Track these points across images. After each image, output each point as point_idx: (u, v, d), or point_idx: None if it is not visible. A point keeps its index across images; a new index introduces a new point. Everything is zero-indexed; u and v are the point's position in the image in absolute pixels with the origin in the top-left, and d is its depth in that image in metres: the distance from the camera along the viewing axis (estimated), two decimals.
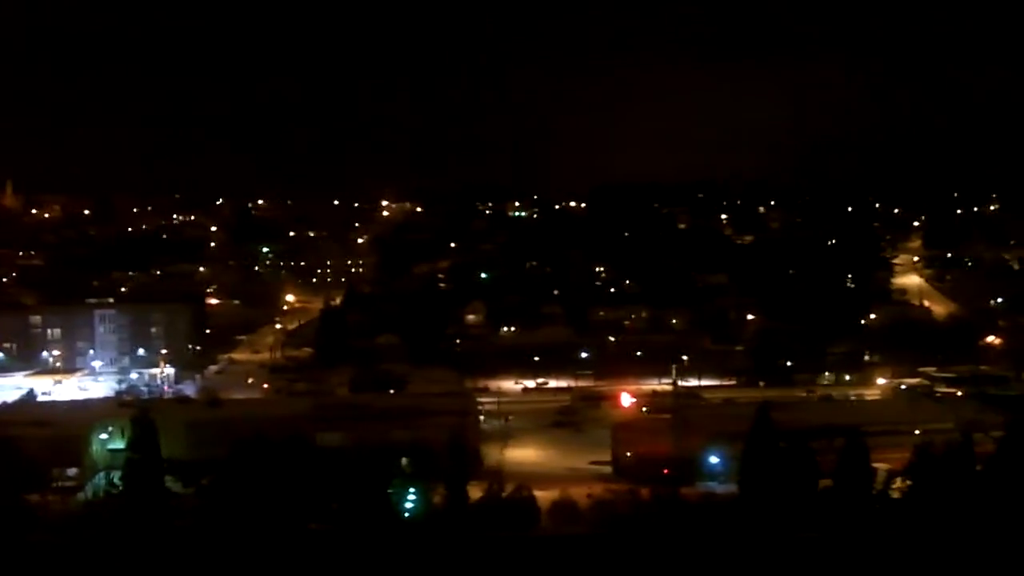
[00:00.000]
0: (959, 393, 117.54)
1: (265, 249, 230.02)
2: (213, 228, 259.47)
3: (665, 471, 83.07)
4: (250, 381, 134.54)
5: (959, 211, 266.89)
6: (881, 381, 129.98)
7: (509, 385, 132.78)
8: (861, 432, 76.83)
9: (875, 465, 74.32)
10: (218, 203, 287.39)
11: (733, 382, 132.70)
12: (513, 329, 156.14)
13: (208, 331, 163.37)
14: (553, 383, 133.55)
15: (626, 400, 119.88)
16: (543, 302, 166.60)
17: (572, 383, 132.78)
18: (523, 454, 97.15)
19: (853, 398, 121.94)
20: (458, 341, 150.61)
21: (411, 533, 69.00)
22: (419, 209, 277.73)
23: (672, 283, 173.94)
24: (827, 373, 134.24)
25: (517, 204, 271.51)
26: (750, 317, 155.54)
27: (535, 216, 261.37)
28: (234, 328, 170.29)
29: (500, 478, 78.18)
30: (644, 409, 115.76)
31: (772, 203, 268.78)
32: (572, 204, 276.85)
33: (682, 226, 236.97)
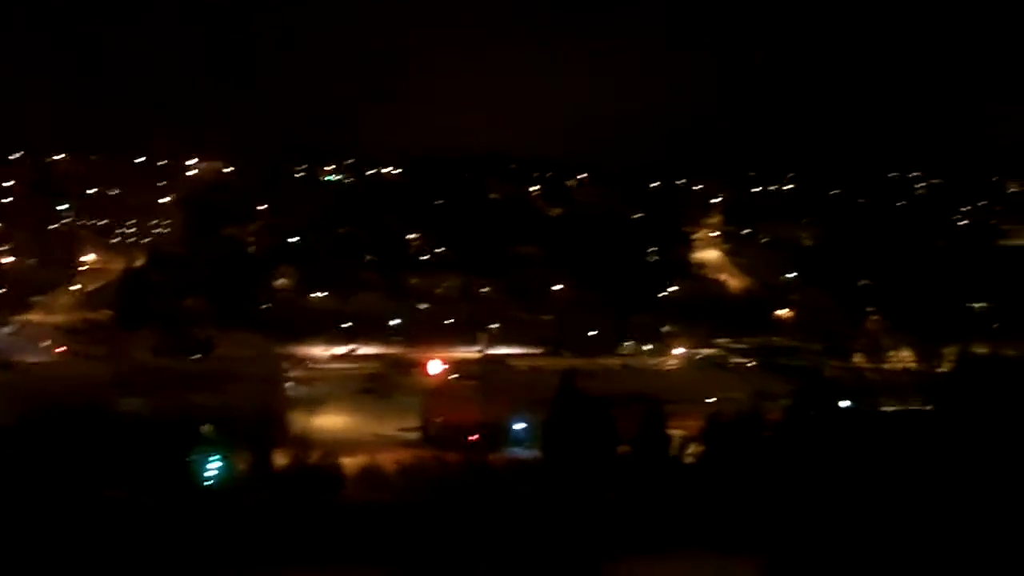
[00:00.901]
0: (751, 363, 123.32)
1: (64, 207, 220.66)
2: (8, 183, 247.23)
3: (472, 438, 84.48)
4: (45, 344, 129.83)
5: (756, 189, 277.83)
6: (679, 351, 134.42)
7: (318, 351, 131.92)
8: (659, 400, 79.88)
9: (671, 431, 77.41)
10: (14, 157, 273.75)
11: (541, 350, 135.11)
12: (324, 294, 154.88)
13: None
14: (363, 349, 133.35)
15: (435, 367, 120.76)
16: (356, 268, 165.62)
17: (383, 350, 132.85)
18: (331, 421, 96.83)
19: (651, 367, 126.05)
20: (267, 305, 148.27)
21: (211, 500, 68.23)
22: (229, 169, 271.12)
23: (484, 253, 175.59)
24: (629, 343, 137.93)
25: (331, 167, 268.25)
26: (559, 287, 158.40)
27: (349, 180, 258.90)
28: (28, 288, 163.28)
29: (306, 445, 78.04)
30: (453, 376, 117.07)
31: (581, 177, 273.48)
32: (387, 170, 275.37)
33: (495, 196, 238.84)
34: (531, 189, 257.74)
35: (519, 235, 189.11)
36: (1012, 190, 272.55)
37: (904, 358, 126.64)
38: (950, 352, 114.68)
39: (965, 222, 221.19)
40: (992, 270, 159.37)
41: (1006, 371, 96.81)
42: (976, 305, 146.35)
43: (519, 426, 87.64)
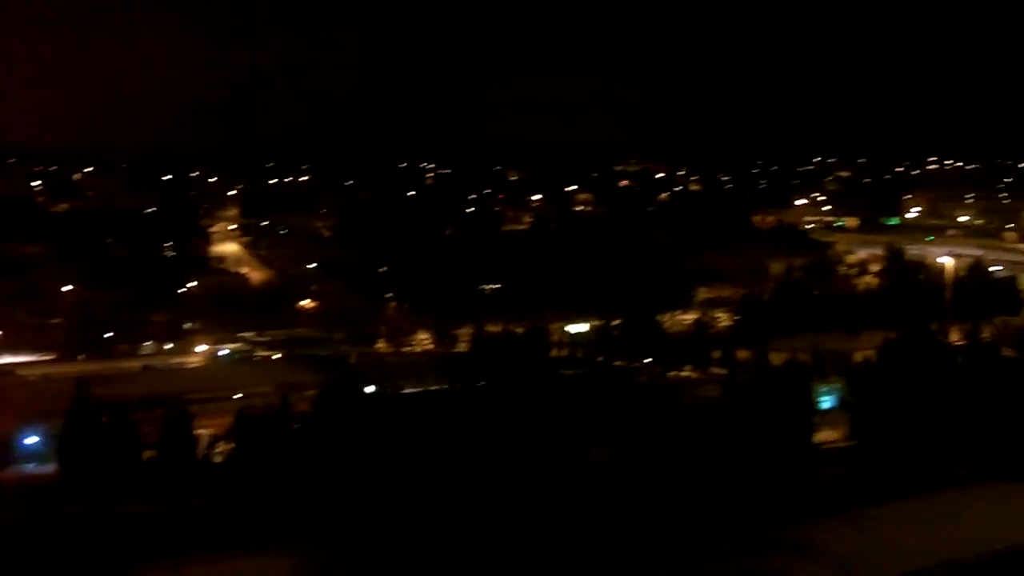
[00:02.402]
0: (277, 356, 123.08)
1: None
2: None
3: None
4: None
5: (274, 181, 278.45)
6: (202, 348, 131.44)
7: None
8: (183, 400, 77.55)
9: (198, 432, 75.50)
10: None
11: (52, 357, 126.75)
12: None
13: None
14: None
15: None
16: None
17: None
18: None
19: (174, 367, 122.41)
20: None
21: None
22: None
23: None
24: (148, 343, 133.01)
25: None
26: (69, 288, 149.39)
27: None
28: None
29: None
30: None
31: (88, 170, 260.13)
32: None
33: None
34: (33, 184, 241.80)
35: (21, 233, 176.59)
36: (513, 178, 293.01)
37: (423, 340, 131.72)
38: (466, 332, 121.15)
39: (472, 209, 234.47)
40: (498, 253, 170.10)
41: (517, 346, 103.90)
42: (486, 287, 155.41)
43: (31, 440, 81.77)
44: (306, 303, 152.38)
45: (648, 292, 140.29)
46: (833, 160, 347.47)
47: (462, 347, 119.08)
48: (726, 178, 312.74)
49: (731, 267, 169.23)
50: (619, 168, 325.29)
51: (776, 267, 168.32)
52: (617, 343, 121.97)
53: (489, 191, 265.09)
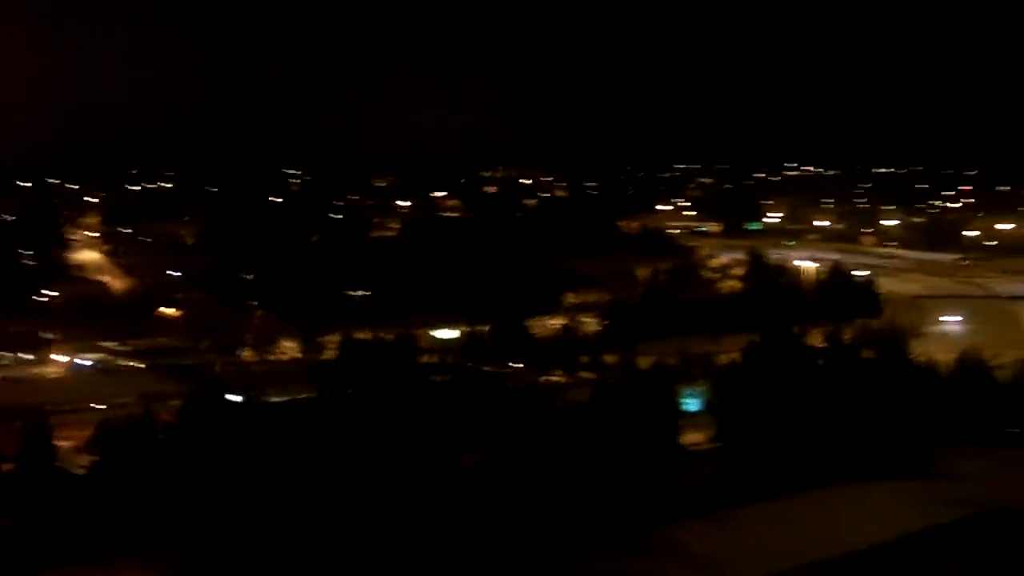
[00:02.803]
0: (139, 366, 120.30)
1: None
2: None
3: None
4: None
5: (136, 188, 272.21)
6: (61, 358, 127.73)
7: None
8: (42, 411, 75.45)
9: (59, 443, 73.62)
10: None
11: None
12: None
13: None
14: None
15: None
16: None
17: None
18: None
19: (33, 377, 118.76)
20: None
21: None
22: None
23: None
24: (5, 353, 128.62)
25: None
26: None
27: None
28: None
29: None
30: None
31: None
32: None
33: None
34: None
35: None
36: (380, 184, 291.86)
37: (290, 348, 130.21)
38: (333, 340, 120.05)
39: (339, 216, 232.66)
40: (366, 260, 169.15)
41: (386, 353, 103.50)
42: (354, 294, 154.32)
43: None
44: (169, 312, 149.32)
45: (517, 297, 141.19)
46: (696, 167, 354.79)
47: (330, 355, 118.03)
48: (592, 184, 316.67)
49: (598, 272, 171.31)
50: (486, 174, 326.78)
51: (642, 272, 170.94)
52: (486, 348, 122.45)
53: (356, 197, 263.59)
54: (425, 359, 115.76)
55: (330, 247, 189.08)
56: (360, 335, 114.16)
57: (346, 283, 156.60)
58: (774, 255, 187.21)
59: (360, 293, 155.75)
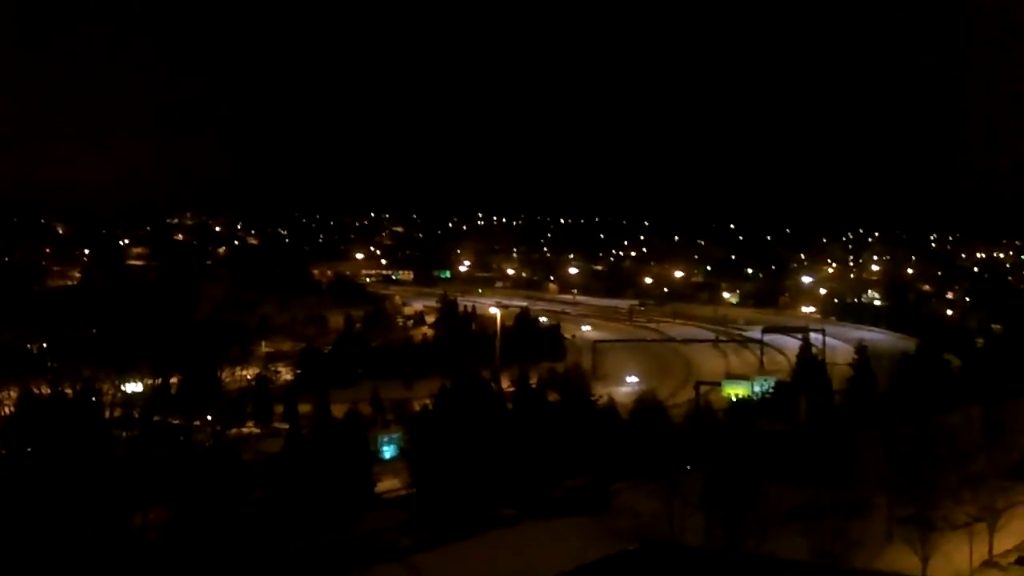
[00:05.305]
0: None
1: None
2: None
3: None
4: None
5: None
6: None
7: None
8: None
9: None
10: None
11: None
12: None
13: None
14: None
15: None
16: None
17: None
18: None
19: None
20: None
21: None
22: None
23: None
24: None
25: None
26: None
27: None
28: None
29: None
30: None
31: None
32: None
33: None
34: None
35: None
36: (60, 232, 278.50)
37: None
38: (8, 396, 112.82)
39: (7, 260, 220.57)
40: (44, 310, 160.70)
41: (66, 408, 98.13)
42: (30, 345, 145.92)
43: None
44: None
45: (206, 347, 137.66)
46: (387, 216, 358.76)
47: (6, 410, 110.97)
48: (284, 232, 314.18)
49: (291, 320, 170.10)
50: (174, 221, 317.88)
51: (335, 319, 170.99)
52: (174, 401, 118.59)
53: (33, 244, 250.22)
54: (108, 414, 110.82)
55: (2, 295, 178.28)
56: (39, 390, 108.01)
57: (22, 334, 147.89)
58: (464, 302, 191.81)
59: (37, 344, 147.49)
